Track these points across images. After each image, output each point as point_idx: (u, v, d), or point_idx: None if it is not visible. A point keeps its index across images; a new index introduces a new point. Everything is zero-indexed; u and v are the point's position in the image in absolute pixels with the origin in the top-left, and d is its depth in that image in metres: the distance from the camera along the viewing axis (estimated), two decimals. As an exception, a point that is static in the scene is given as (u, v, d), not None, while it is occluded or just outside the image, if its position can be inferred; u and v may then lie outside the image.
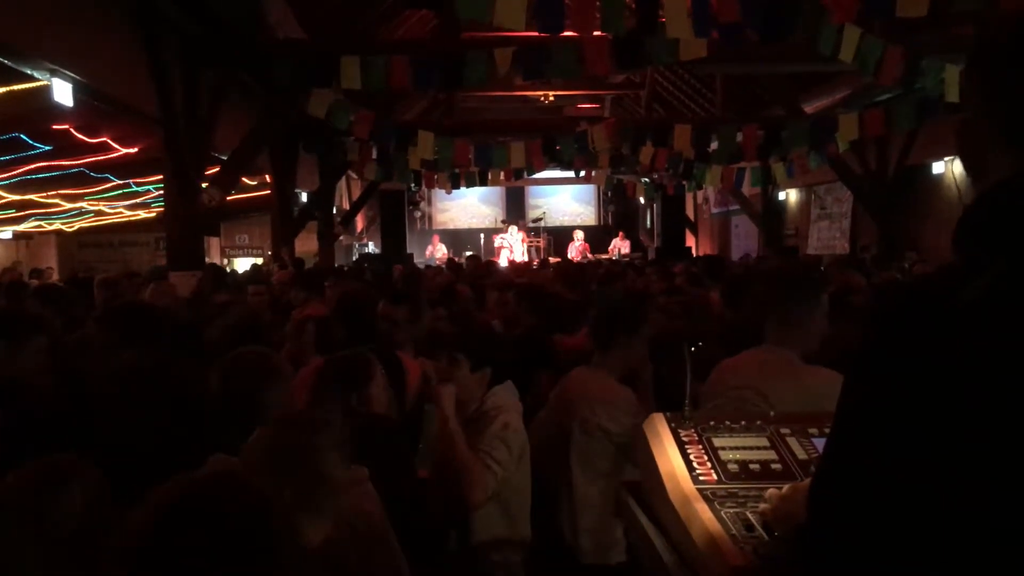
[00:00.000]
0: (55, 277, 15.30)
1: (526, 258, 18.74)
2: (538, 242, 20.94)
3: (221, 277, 7.31)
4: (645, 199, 22.56)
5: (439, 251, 20.36)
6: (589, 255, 19.58)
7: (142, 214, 19.59)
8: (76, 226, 20.98)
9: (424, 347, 3.93)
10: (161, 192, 10.69)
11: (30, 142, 10.59)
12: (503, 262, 16.95)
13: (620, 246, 20.75)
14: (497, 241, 20.51)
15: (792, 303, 2.85)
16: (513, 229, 20.80)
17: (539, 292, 6.09)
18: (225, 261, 19.32)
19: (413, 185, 17.21)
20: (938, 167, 13.71)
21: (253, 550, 1.33)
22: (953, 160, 13.28)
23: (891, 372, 0.99)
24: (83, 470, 1.86)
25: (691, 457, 1.87)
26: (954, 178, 13.06)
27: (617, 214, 24.95)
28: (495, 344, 3.34)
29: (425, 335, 4.01)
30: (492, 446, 2.95)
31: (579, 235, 20.96)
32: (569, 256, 19.28)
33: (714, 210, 23.49)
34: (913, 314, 1.00)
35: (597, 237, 22.24)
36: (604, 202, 25.37)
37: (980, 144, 1.06)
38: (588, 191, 25.27)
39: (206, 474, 1.46)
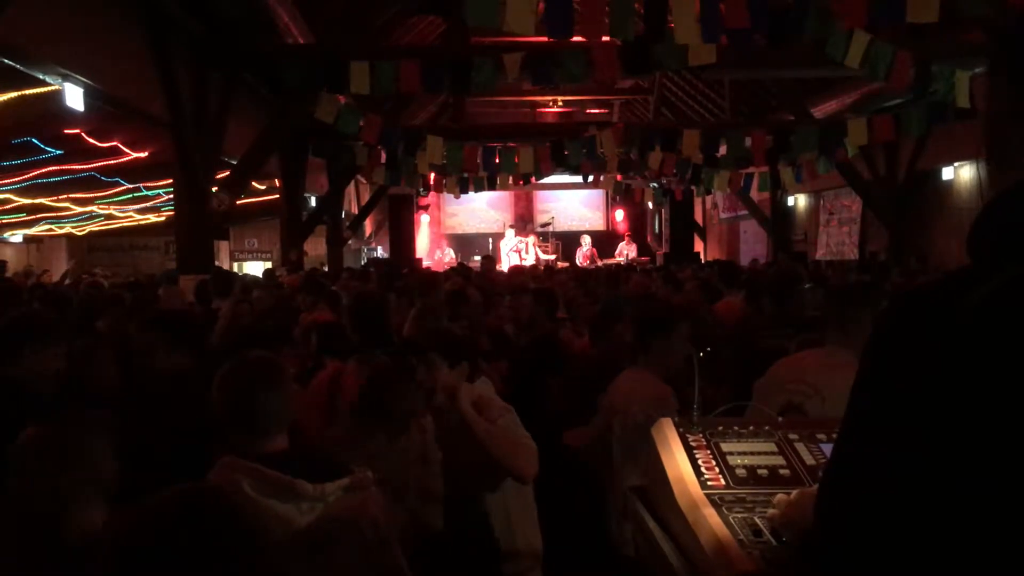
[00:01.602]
0: (54, 279, 15.39)
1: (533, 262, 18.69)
2: (546, 247, 20.94)
3: (227, 282, 7.32)
4: (653, 204, 22.54)
5: (447, 255, 20.36)
6: (597, 260, 19.57)
7: (152, 218, 19.68)
8: (86, 230, 21.08)
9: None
10: (171, 196, 10.74)
11: (41, 146, 10.65)
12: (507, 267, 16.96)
13: (627, 250, 20.73)
14: (513, 245, 20.37)
15: (849, 307, 3.06)
16: (512, 234, 20.75)
17: (555, 295, 6.13)
18: (235, 265, 19.41)
19: (421, 190, 17.24)
20: (948, 172, 13.66)
21: (229, 564, 1.36)
22: (963, 165, 13.24)
23: (896, 377, 0.99)
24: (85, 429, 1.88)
25: (699, 462, 1.87)
26: (979, 181, 13.00)
27: (625, 219, 24.93)
28: (507, 346, 3.37)
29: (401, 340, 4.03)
30: (509, 428, 2.97)
31: (587, 240, 20.97)
32: (577, 262, 19.28)
33: (722, 215, 23.46)
34: (917, 318, 1.00)
35: (605, 242, 22.24)
36: (612, 207, 25.36)
37: (1009, 143, 1.04)
38: (596, 196, 25.24)
39: (189, 486, 1.48)
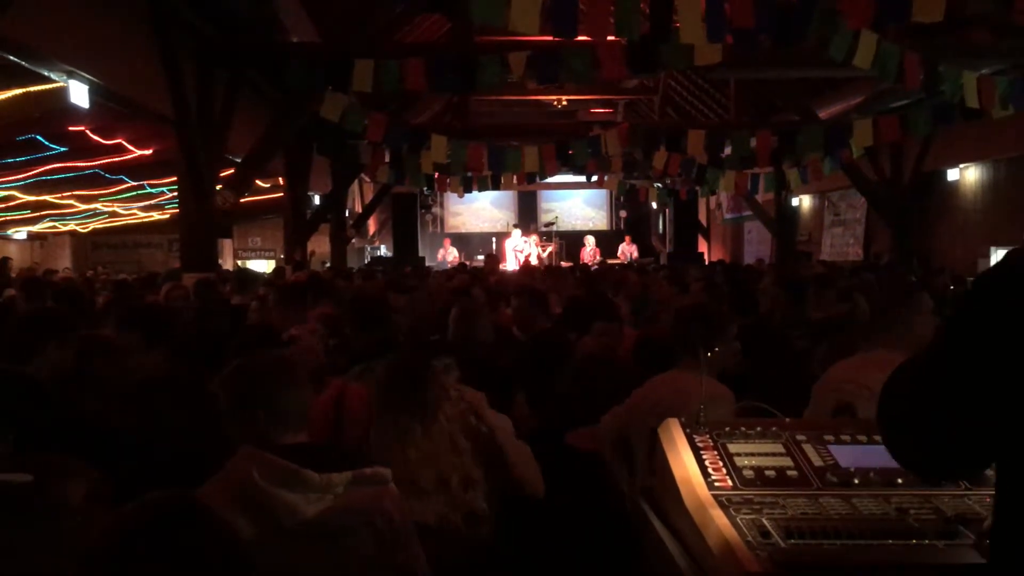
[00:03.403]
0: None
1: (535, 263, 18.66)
2: (549, 247, 20.92)
3: (249, 280, 7.35)
4: (658, 204, 22.51)
5: (450, 254, 20.37)
6: (599, 259, 19.60)
7: (156, 216, 19.72)
8: (90, 227, 21.12)
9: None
10: (175, 194, 10.75)
11: (46, 143, 10.67)
12: (512, 266, 16.96)
13: (628, 251, 20.72)
14: (519, 246, 20.30)
15: (896, 310, 3.09)
16: (519, 234, 20.70)
17: (544, 295, 6.12)
18: (238, 263, 19.43)
19: (426, 189, 17.23)
20: (953, 174, 13.63)
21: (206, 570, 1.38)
22: (968, 166, 13.21)
23: (983, 333, 1.11)
24: (76, 471, 1.84)
25: (706, 463, 1.86)
26: (984, 182, 12.98)
27: (629, 219, 24.91)
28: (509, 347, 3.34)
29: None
30: (523, 445, 2.97)
31: (591, 240, 20.96)
32: (582, 261, 19.28)
33: (727, 215, 23.43)
34: (1008, 284, 1.11)
35: (609, 242, 22.23)
36: (616, 207, 25.34)
37: None
38: (600, 196, 25.23)
39: (167, 494, 1.48)
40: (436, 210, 25.04)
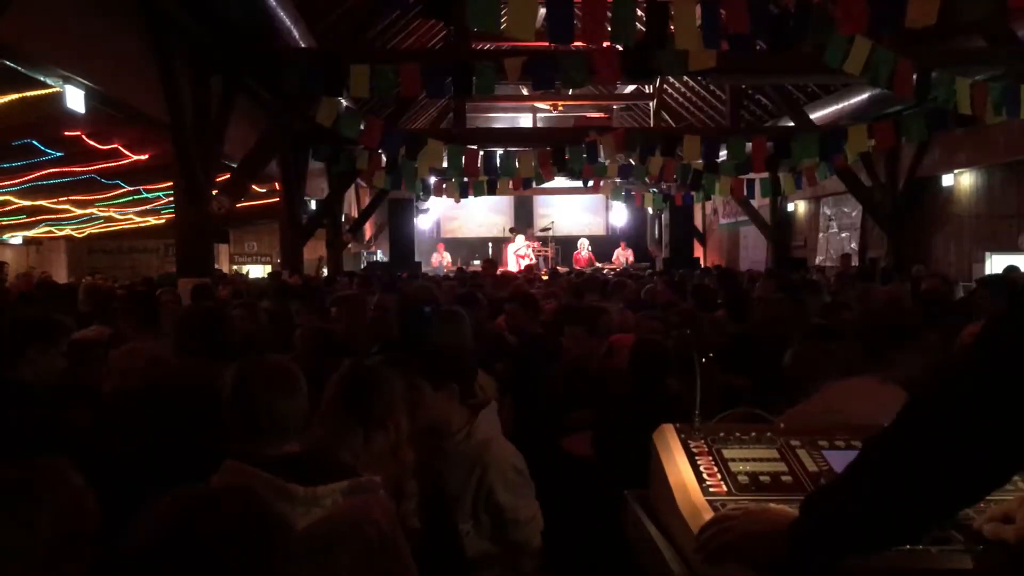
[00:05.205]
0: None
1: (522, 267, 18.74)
2: (546, 251, 20.95)
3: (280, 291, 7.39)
4: (653, 209, 22.55)
5: (444, 259, 20.41)
6: (596, 264, 19.62)
7: (151, 220, 19.68)
8: (86, 232, 21.08)
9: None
10: (171, 199, 10.74)
11: (42, 148, 10.65)
12: (513, 270, 17.00)
13: (624, 256, 20.75)
14: (520, 250, 20.29)
15: None
16: (522, 239, 20.76)
17: (535, 300, 6.17)
18: (234, 268, 19.42)
19: (421, 194, 17.24)
20: (948, 179, 13.67)
21: (261, 566, 1.33)
22: (963, 172, 13.25)
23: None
24: (58, 474, 1.81)
25: (701, 468, 1.86)
26: (978, 188, 12.99)
27: (625, 224, 24.94)
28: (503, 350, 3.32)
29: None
30: (521, 498, 2.91)
31: (584, 243, 21.01)
32: (576, 265, 19.35)
33: (722, 221, 23.46)
34: None
35: (605, 247, 22.27)
36: (612, 211, 25.38)
37: None
38: (596, 200, 25.26)
39: (217, 487, 1.44)
40: (432, 214, 25.05)
